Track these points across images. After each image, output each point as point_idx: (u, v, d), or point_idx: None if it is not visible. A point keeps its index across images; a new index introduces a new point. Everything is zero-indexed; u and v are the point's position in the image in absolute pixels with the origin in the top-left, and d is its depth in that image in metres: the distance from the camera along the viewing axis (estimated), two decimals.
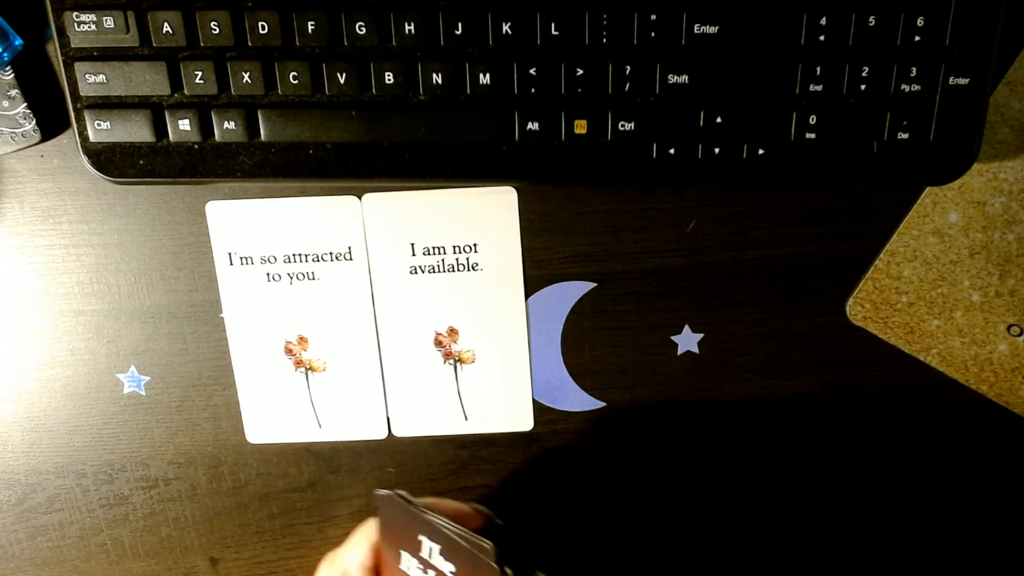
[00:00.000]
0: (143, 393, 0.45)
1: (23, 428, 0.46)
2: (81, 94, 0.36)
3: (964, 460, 0.45)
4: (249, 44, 0.35)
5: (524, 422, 0.45)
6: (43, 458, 0.46)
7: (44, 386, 0.45)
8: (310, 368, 0.44)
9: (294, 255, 0.42)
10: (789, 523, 0.47)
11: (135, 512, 0.47)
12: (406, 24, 0.35)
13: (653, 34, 0.35)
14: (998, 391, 0.43)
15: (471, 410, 0.45)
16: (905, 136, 0.36)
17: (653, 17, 0.34)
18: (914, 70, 0.35)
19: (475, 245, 0.42)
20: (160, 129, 0.36)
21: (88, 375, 0.45)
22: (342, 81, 0.35)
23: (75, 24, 0.35)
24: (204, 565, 0.49)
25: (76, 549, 0.48)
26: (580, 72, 0.35)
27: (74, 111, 0.36)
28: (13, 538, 0.48)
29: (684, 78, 0.35)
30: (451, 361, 0.44)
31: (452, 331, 0.43)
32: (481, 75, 0.35)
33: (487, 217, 0.42)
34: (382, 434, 0.46)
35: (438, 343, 0.44)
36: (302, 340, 0.44)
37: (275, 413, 0.45)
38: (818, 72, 0.35)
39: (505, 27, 0.35)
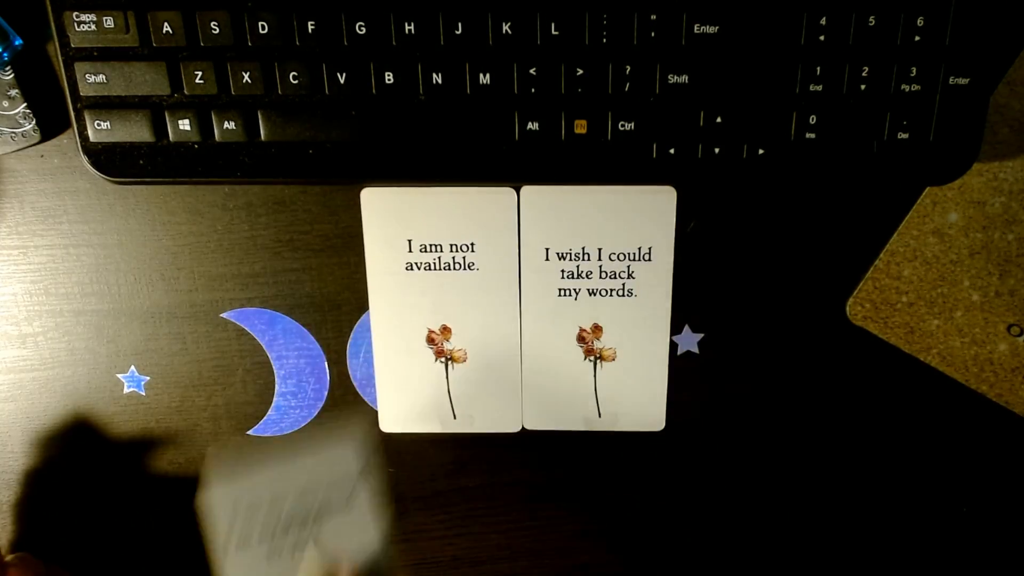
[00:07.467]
0: (143, 393, 0.45)
1: (23, 428, 0.46)
2: (81, 94, 0.36)
3: (964, 460, 0.45)
4: (249, 44, 0.35)
5: (514, 423, 0.45)
6: (43, 458, 0.46)
7: (44, 386, 0.45)
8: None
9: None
10: (789, 523, 0.47)
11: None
12: (406, 24, 0.35)
13: (653, 34, 0.35)
14: (998, 391, 0.43)
15: (460, 409, 0.45)
16: (905, 136, 0.36)
17: (653, 17, 0.34)
18: (914, 70, 0.35)
19: (472, 244, 0.42)
20: (160, 129, 0.36)
21: (88, 375, 0.45)
22: (342, 81, 0.35)
23: (75, 24, 0.35)
24: None
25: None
26: (580, 72, 0.35)
27: (74, 111, 0.36)
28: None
29: (684, 78, 0.35)
30: (442, 359, 0.44)
31: (445, 329, 0.43)
32: (481, 75, 0.35)
33: (485, 217, 0.42)
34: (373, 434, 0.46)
35: (430, 340, 0.44)
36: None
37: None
38: (818, 72, 0.35)
39: (505, 27, 0.35)
